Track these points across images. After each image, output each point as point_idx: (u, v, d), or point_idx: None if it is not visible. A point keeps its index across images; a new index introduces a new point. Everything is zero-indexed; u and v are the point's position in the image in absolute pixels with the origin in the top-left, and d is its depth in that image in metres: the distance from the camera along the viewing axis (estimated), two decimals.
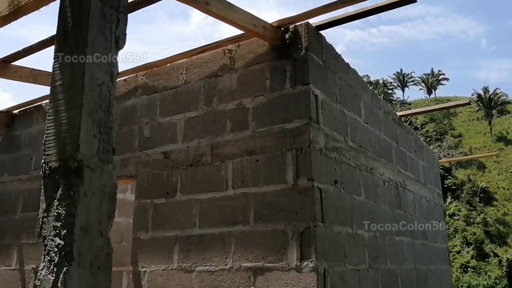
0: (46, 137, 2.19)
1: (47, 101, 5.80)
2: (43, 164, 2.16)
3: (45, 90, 6.05)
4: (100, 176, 2.14)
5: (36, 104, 5.97)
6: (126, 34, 2.44)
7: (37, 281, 2.03)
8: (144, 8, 3.79)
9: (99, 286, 2.05)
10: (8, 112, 6.16)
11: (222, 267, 4.04)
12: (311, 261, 3.63)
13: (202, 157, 4.41)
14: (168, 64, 4.92)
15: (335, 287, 3.81)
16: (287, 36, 4.21)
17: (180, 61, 4.84)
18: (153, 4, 3.78)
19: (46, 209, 2.08)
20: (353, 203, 4.43)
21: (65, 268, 1.94)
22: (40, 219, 2.09)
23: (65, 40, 2.26)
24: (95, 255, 2.06)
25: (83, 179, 2.05)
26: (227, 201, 4.16)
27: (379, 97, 5.82)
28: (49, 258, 2.00)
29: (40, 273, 2.02)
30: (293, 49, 4.15)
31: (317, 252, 3.65)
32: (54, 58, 2.28)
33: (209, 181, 4.32)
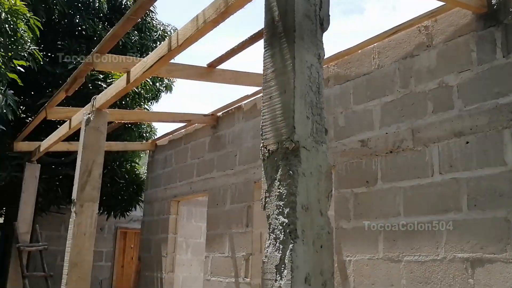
0: (262, 122, 2.30)
1: (246, 101, 6.24)
2: (262, 148, 2.26)
3: (240, 93, 6.52)
4: (315, 156, 2.16)
5: (236, 105, 6.46)
6: (329, 16, 2.43)
7: (264, 258, 2.13)
8: None
9: (322, 264, 2.06)
10: (213, 115, 6.80)
11: (433, 257, 3.77)
12: None
13: (402, 143, 4.20)
14: (359, 51, 4.82)
15: None
16: (494, 1, 3.75)
17: (371, 46, 4.71)
18: None
19: (268, 189, 2.18)
20: None
21: (290, 245, 1.99)
22: (263, 199, 2.19)
23: (273, 27, 2.35)
24: (317, 234, 2.08)
25: (300, 159, 2.09)
26: (434, 187, 3.88)
27: None
28: (274, 236, 2.09)
29: (267, 250, 2.12)
30: (503, 15, 3.67)
31: None
32: (265, 47, 2.39)
33: (412, 168, 4.09)
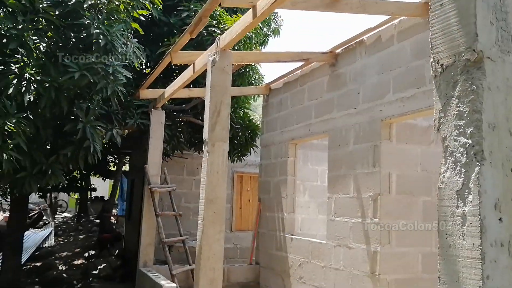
0: (431, 34, 2.04)
1: (368, 35, 5.86)
2: (432, 63, 2.02)
3: (362, 25, 6.10)
4: (502, 68, 1.88)
5: (358, 40, 6.11)
6: None
7: (440, 183, 1.93)
8: None
9: None
10: (331, 52, 6.52)
11: None
12: None
13: None
14: None
15: None
16: None
17: None
18: None
19: (442, 109, 1.95)
20: None
21: (476, 168, 1.78)
22: (437, 120, 1.97)
23: None
24: (506, 156, 1.83)
25: (485, 72, 1.83)
26: None
27: None
28: (453, 159, 1.87)
29: (443, 175, 1.92)
30: None
31: None
32: None
33: None
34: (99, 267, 13.49)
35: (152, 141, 7.70)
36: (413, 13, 4.94)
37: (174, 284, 6.02)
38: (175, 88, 6.71)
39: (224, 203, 4.80)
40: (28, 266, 14.19)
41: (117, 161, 17.70)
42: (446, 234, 1.87)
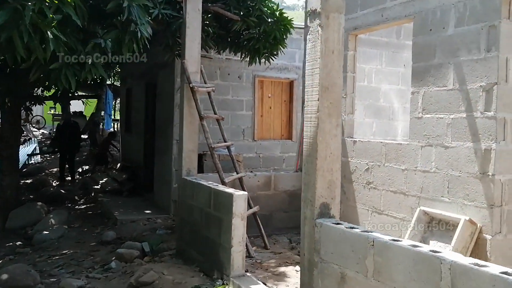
0: None
1: None
2: None
3: None
4: None
5: None
6: None
7: None
8: None
9: None
10: None
11: None
12: None
13: None
14: None
15: None
16: None
17: None
18: None
19: None
20: None
21: None
22: None
23: None
24: None
25: None
26: None
27: None
28: None
29: None
30: None
31: None
32: None
33: None
34: (100, 181, 12.61)
35: (189, 31, 6.47)
36: None
37: (245, 192, 5.21)
38: None
39: (340, 91, 3.88)
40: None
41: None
42: None
